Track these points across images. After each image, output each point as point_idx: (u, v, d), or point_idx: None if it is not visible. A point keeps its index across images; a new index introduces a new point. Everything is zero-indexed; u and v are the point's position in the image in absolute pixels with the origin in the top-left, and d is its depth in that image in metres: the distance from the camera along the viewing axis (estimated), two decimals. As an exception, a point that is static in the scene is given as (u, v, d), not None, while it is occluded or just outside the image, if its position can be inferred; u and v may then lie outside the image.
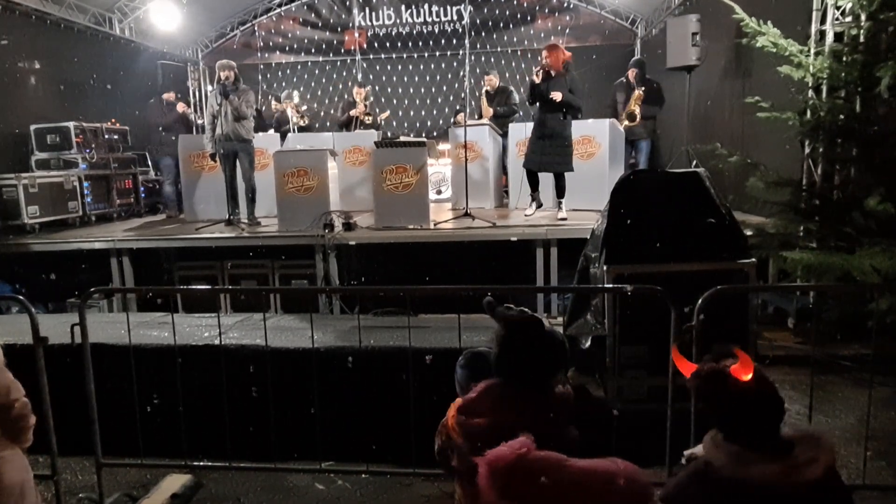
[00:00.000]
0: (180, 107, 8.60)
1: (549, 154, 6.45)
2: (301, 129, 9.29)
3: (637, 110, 7.89)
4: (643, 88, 8.00)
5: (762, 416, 1.62)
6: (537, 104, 6.48)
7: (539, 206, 7.04)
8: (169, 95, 8.53)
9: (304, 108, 10.07)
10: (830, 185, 5.25)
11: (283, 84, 12.09)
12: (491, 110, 8.60)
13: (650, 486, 1.65)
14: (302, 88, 11.84)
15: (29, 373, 2.67)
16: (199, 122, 9.41)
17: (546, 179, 6.91)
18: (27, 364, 2.77)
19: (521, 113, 8.98)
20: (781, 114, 5.04)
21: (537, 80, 6.25)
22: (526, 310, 1.98)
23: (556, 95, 6.15)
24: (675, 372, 2.90)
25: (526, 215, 6.93)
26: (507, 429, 1.70)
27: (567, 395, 1.89)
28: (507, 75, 11.38)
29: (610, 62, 9.88)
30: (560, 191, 6.70)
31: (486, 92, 8.79)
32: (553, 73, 6.25)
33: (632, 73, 8.18)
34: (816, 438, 1.62)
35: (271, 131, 9.14)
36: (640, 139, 8.23)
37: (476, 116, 9.00)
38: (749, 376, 1.61)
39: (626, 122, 7.92)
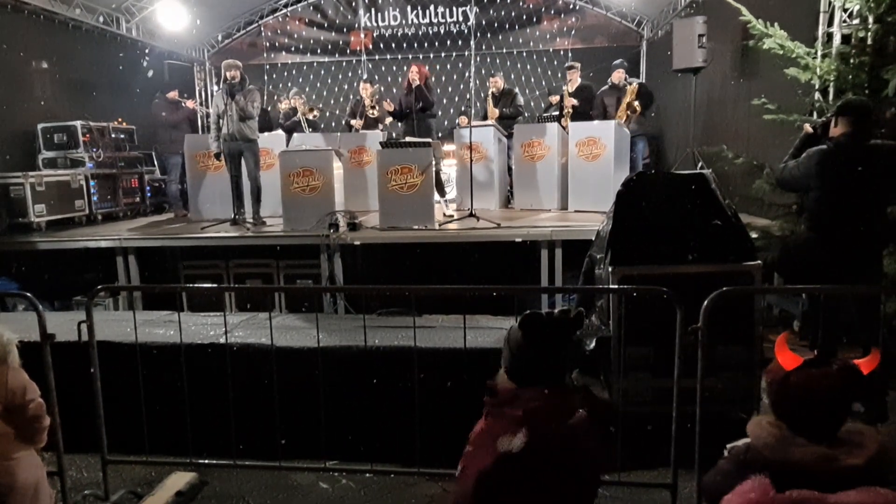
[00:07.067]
0: (190, 103, 8.61)
1: None
2: (311, 124, 9.24)
3: (636, 103, 7.85)
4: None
5: (838, 414, 1.63)
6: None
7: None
8: (173, 94, 8.55)
9: (315, 107, 10.02)
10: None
11: (289, 84, 12.10)
12: (497, 112, 8.66)
13: None
14: (308, 89, 11.85)
15: (36, 370, 2.68)
16: (209, 119, 9.39)
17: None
18: (34, 361, 2.78)
19: (528, 114, 8.96)
20: (788, 116, 5.02)
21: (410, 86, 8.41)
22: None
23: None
24: (681, 374, 2.91)
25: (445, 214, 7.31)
26: (543, 441, 1.65)
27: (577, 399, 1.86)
28: (513, 76, 11.36)
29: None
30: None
31: (492, 94, 8.84)
32: (416, 84, 8.36)
33: (618, 75, 8.16)
34: (862, 432, 1.61)
35: (278, 130, 9.10)
36: (637, 137, 8.19)
37: (481, 118, 9.02)
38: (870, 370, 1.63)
39: (628, 114, 7.88)
